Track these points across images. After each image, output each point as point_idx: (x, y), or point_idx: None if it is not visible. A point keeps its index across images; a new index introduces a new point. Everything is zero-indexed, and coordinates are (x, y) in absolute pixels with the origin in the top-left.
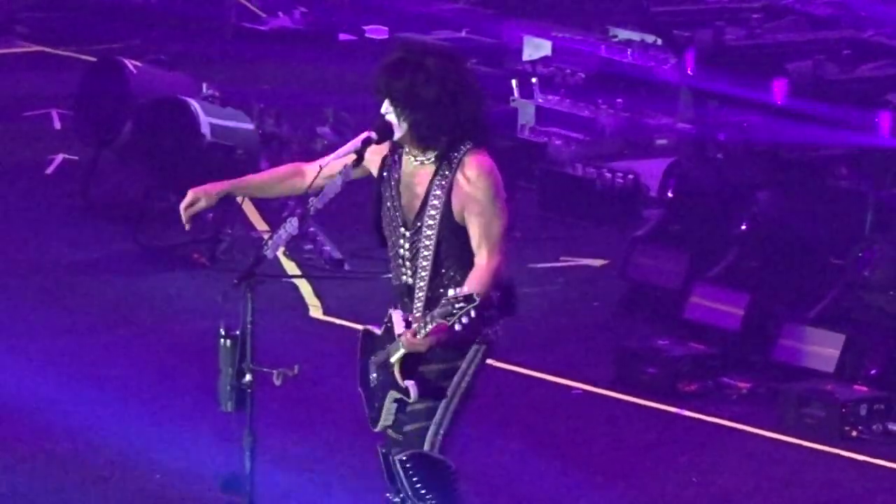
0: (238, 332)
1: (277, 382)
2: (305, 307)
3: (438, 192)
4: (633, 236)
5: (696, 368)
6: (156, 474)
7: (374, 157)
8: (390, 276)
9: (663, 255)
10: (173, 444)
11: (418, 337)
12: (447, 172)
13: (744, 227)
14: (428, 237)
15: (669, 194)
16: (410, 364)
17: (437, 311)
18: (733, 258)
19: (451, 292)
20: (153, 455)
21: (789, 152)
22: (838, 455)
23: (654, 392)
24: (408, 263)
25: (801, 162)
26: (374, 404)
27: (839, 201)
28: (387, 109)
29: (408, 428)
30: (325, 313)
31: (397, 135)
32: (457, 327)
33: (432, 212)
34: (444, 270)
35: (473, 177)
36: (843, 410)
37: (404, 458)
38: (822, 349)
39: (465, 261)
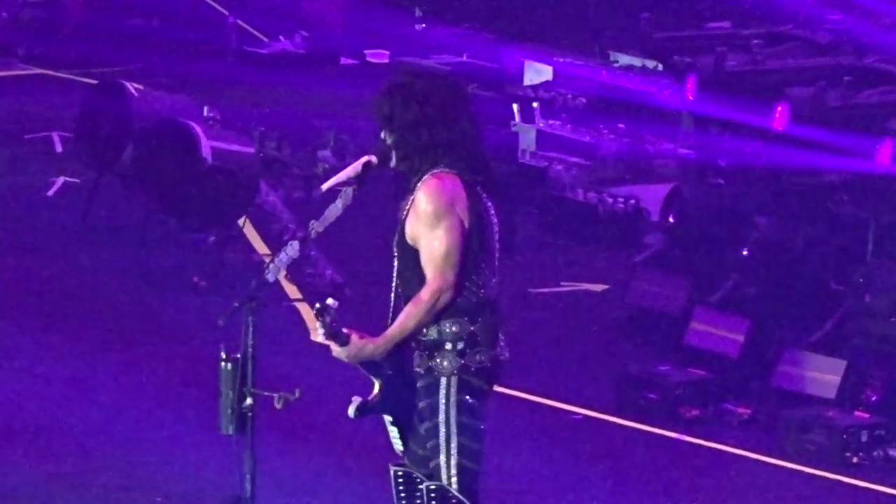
0: (239, 356)
1: (278, 406)
2: (306, 330)
3: (403, 214)
4: (633, 261)
5: (697, 394)
6: (157, 497)
7: None
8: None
9: (664, 280)
10: (174, 466)
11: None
12: (411, 195)
13: (745, 253)
14: (394, 257)
15: (670, 220)
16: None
17: None
18: (734, 284)
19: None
20: (155, 478)
21: (790, 178)
22: (839, 481)
23: (655, 417)
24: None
25: (801, 188)
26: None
27: (840, 227)
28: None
29: (431, 464)
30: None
31: (393, 158)
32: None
33: (397, 233)
34: (400, 291)
35: (418, 198)
36: (844, 437)
37: (432, 487)
38: (823, 375)
39: (415, 283)
